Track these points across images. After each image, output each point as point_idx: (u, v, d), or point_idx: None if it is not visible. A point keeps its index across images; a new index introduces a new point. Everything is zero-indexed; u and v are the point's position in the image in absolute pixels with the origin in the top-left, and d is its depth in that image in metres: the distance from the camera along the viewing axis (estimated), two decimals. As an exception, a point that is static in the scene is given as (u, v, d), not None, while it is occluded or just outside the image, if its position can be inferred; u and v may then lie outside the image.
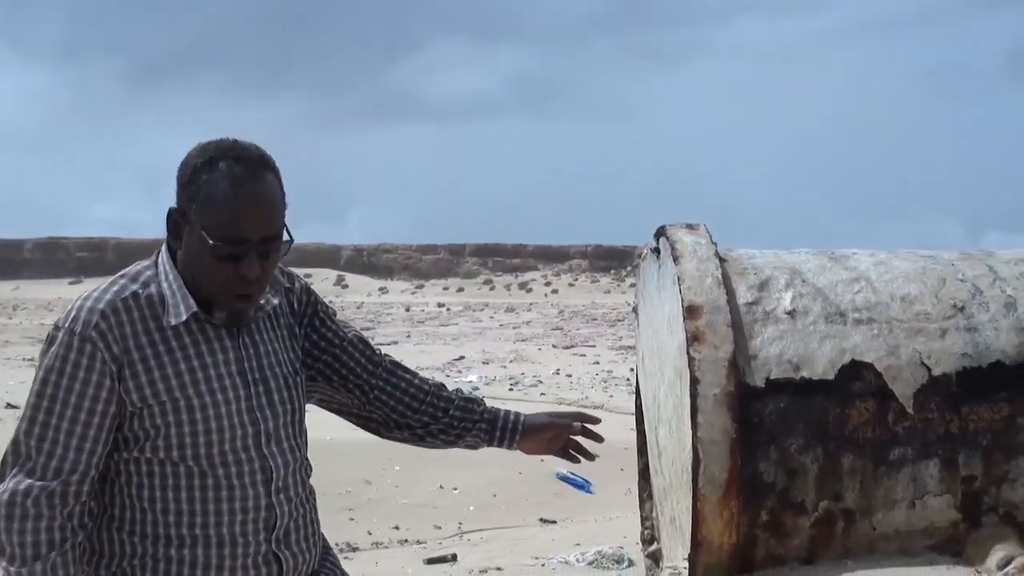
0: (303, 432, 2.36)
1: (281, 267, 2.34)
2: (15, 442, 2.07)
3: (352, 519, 8.91)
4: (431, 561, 7.73)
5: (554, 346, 31.79)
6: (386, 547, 8.48)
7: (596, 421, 2.83)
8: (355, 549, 8.33)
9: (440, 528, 9.02)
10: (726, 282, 5.02)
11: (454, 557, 7.76)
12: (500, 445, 2.62)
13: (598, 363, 24.65)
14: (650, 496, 6.29)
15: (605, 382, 19.83)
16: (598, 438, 2.70)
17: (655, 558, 6.11)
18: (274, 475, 2.20)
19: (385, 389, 2.52)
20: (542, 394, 17.63)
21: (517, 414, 2.65)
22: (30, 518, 1.99)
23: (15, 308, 65.53)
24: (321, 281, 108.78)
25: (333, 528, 9.10)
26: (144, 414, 2.11)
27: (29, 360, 23.77)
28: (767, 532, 4.86)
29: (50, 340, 2.10)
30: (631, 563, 6.68)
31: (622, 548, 6.97)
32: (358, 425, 2.60)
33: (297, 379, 2.34)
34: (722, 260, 5.20)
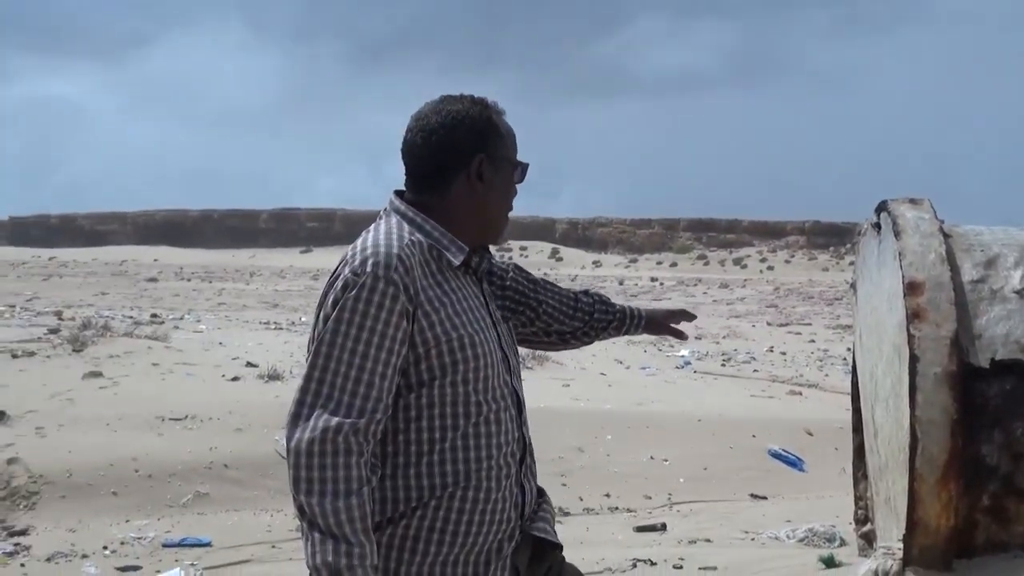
0: None
1: None
2: (316, 382, 2.10)
3: (564, 484, 9.07)
4: (641, 529, 7.75)
5: (768, 323, 31.06)
6: (597, 513, 8.55)
7: (692, 317, 3.18)
8: (567, 514, 8.46)
9: (650, 498, 9.00)
10: (950, 259, 4.85)
11: (664, 526, 7.77)
12: (628, 333, 2.91)
13: (813, 341, 23.97)
14: (864, 476, 6.15)
15: (820, 361, 19.24)
16: (686, 329, 3.14)
17: (868, 538, 5.98)
18: (522, 406, 2.35)
19: (548, 303, 2.72)
20: (755, 371, 17.27)
21: (639, 312, 2.94)
22: (341, 454, 2.03)
23: (251, 275, 69.50)
24: (536, 253, 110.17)
25: (547, 493, 9.32)
26: (433, 352, 2.17)
27: (265, 323, 25.27)
28: (989, 517, 4.70)
29: (347, 285, 2.14)
30: (843, 542, 6.53)
31: (834, 527, 6.82)
32: (528, 342, 2.80)
33: (509, 323, 2.54)
34: (946, 236, 5.02)
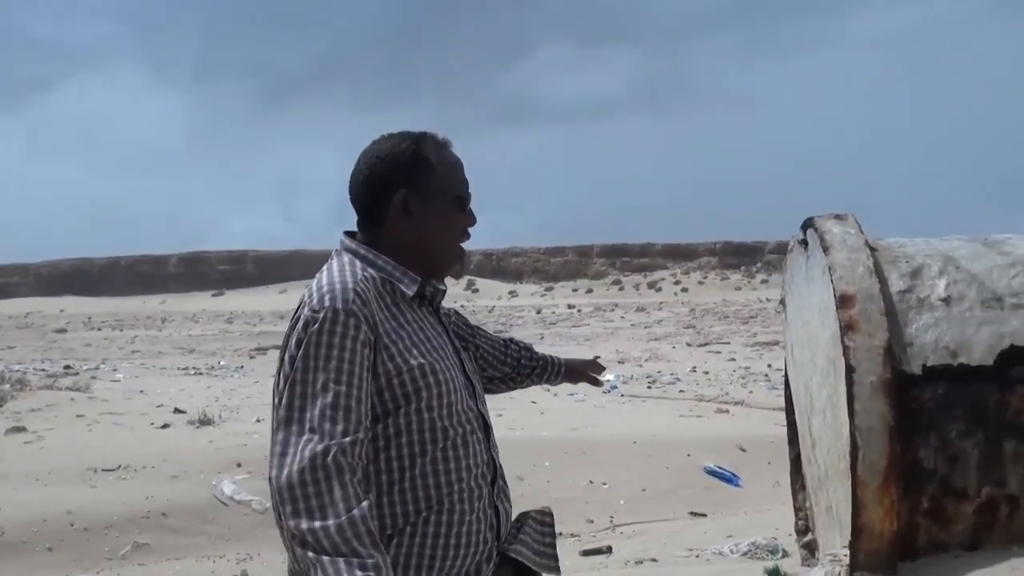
0: None
1: None
2: (296, 421, 2.12)
3: (508, 513, 9.15)
4: (587, 553, 7.85)
5: (688, 344, 31.57)
6: (541, 540, 8.60)
7: (602, 369, 3.31)
8: (511, 542, 8.51)
9: (592, 522, 9.14)
10: (878, 271, 5.02)
11: (609, 549, 7.87)
12: (547, 383, 3.04)
13: (734, 359, 24.42)
14: (803, 487, 6.29)
15: (743, 378, 19.61)
16: (598, 382, 3.27)
17: (810, 548, 6.11)
18: (489, 429, 2.39)
19: (484, 348, 2.82)
20: (680, 391, 17.54)
21: (559, 361, 3.05)
22: (334, 475, 2.04)
23: (163, 321, 68.26)
24: (452, 286, 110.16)
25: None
26: (396, 382, 2.22)
27: (183, 369, 24.86)
28: (929, 519, 4.85)
29: (308, 323, 2.19)
30: (786, 553, 6.67)
31: (775, 539, 6.96)
32: None
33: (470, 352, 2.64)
34: (872, 249, 5.20)
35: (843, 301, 4.91)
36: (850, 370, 4.79)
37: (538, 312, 63.61)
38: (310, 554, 2.01)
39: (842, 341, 4.85)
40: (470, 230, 2.44)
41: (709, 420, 13.50)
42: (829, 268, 5.05)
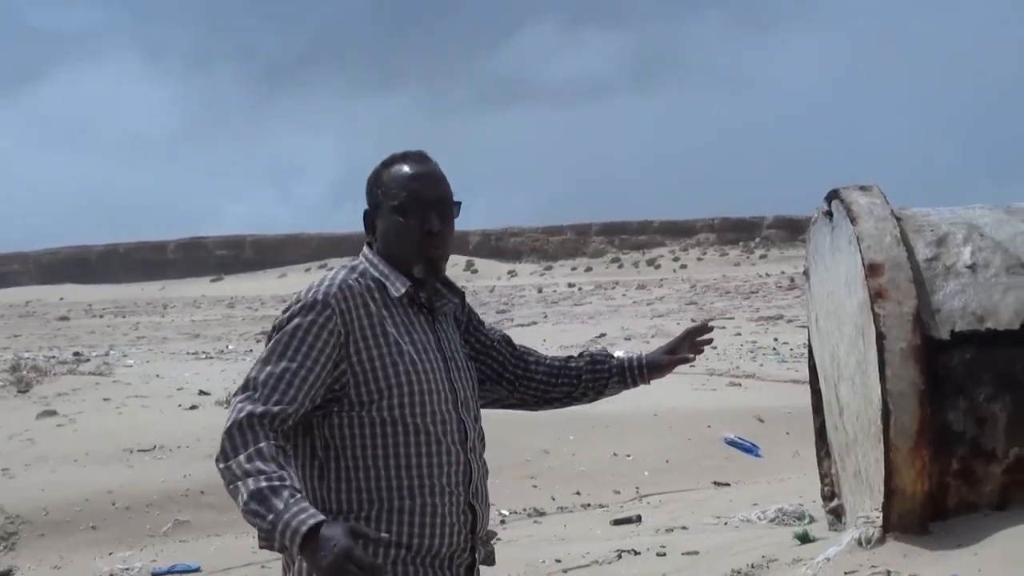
0: (479, 407, 2.72)
1: (454, 282, 2.80)
2: (252, 378, 2.45)
3: (535, 486, 9.31)
4: (617, 522, 8.04)
5: (692, 320, 31.67)
6: (571, 511, 8.88)
7: (706, 330, 3.09)
8: (542, 513, 8.80)
9: (619, 493, 9.35)
10: (904, 240, 5.16)
11: (639, 518, 8.07)
12: (634, 386, 2.96)
13: (740, 334, 24.52)
14: (828, 454, 6.43)
15: (752, 352, 19.72)
16: (706, 342, 3.06)
17: (837, 513, 6.27)
18: (468, 435, 2.56)
19: (531, 377, 2.89)
20: (691, 366, 17.65)
21: (640, 359, 2.96)
22: (250, 429, 2.36)
23: (165, 307, 68.25)
24: (451, 267, 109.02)
25: (520, 494, 9.47)
26: (369, 378, 2.47)
27: (193, 354, 24.98)
28: (959, 480, 5.00)
29: (288, 308, 2.53)
30: (812, 519, 6.82)
31: (801, 505, 7.13)
32: (514, 408, 3.01)
33: (471, 363, 2.75)
34: (898, 219, 5.34)
35: (872, 270, 5.05)
36: (880, 337, 4.93)
37: (539, 291, 63.59)
38: (230, 486, 2.33)
39: (872, 309, 4.99)
40: (433, 231, 2.59)
41: (724, 393, 13.64)
42: (857, 238, 5.18)
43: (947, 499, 5.16)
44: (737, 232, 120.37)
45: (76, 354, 25.43)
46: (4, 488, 8.46)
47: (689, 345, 3.01)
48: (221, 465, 2.34)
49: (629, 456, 9.94)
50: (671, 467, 9.70)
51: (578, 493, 9.22)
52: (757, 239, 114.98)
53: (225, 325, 40.58)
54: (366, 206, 2.69)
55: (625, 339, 24.48)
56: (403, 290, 2.54)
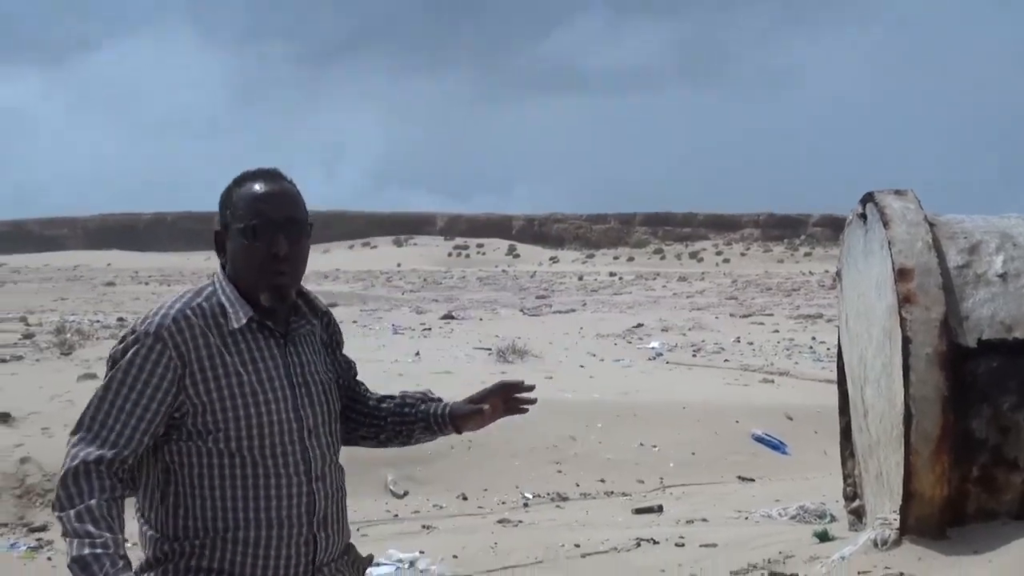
0: (338, 432, 2.63)
1: (318, 299, 2.72)
2: (89, 417, 2.39)
3: (560, 472, 9.39)
4: (639, 511, 8.05)
5: (731, 315, 31.48)
6: (594, 498, 8.91)
7: (522, 388, 2.79)
8: (565, 499, 8.83)
9: (643, 482, 9.37)
10: (936, 246, 5.17)
11: (660, 508, 8.09)
12: (443, 434, 2.75)
13: (777, 331, 24.37)
14: (852, 455, 6.46)
15: (788, 350, 19.58)
16: (525, 401, 2.77)
17: (858, 514, 6.30)
18: (313, 465, 2.48)
19: (350, 408, 2.75)
20: (725, 360, 17.61)
21: (444, 408, 2.73)
22: (84, 478, 2.32)
23: (209, 277, 68.70)
24: (493, 251, 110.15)
25: (544, 479, 9.56)
26: (207, 409, 2.40)
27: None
28: (979, 487, 5.02)
29: (123, 341, 2.44)
30: (833, 518, 6.84)
31: (823, 504, 7.13)
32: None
33: (333, 387, 2.62)
34: (931, 224, 5.34)
35: (901, 274, 5.07)
36: (906, 341, 4.95)
37: (580, 279, 63.59)
38: (63, 536, 2.33)
39: (899, 313, 5.01)
40: (280, 254, 2.47)
41: (755, 389, 13.59)
42: (888, 242, 5.19)
43: (966, 505, 5.17)
44: (782, 229, 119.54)
45: (120, 319, 25.83)
46: (42, 446, 8.62)
47: (505, 400, 2.74)
48: (56, 513, 2.34)
49: (655, 447, 9.99)
50: (696, 460, 9.73)
51: (602, 480, 9.29)
52: (802, 236, 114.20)
53: (266, 298, 40.99)
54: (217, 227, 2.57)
55: (662, 330, 24.42)
56: (244, 321, 2.46)
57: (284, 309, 2.54)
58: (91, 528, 2.28)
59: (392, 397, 2.78)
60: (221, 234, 2.55)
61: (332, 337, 2.71)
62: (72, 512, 2.29)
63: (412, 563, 6.27)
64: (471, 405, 2.69)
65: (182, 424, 2.41)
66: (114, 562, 2.25)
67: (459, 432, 2.76)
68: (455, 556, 6.43)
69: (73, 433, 2.40)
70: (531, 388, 2.79)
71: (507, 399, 2.73)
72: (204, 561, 2.41)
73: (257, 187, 2.51)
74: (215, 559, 2.41)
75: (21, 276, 67.11)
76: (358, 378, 2.80)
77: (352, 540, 2.67)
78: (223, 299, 2.48)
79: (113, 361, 2.43)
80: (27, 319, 24.63)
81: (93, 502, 2.29)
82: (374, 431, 2.75)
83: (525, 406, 2.77)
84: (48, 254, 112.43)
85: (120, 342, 2.45)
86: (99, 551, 2.26)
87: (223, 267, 2.55)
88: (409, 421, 2.74)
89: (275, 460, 2.44)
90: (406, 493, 8.96)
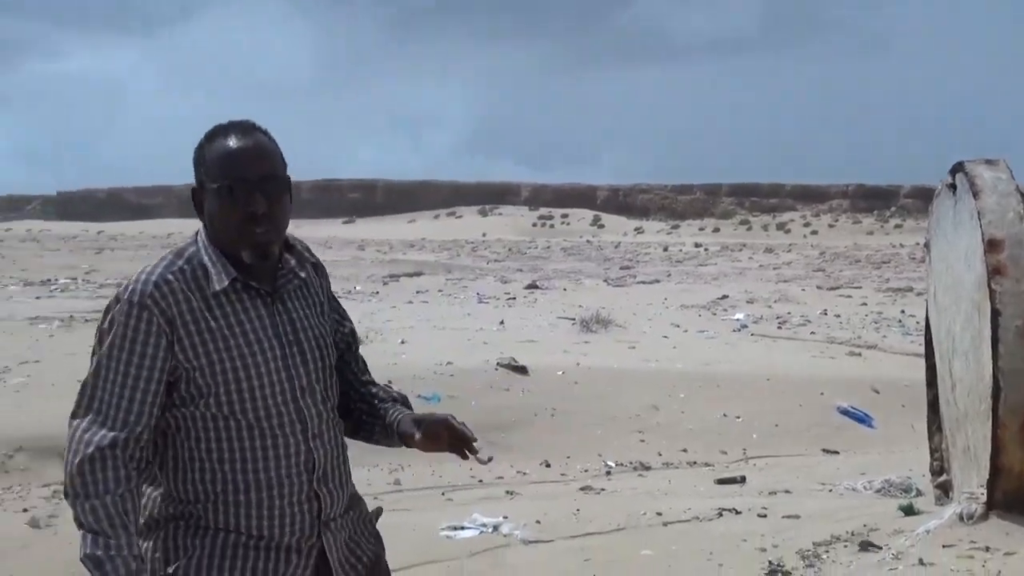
0: (335, 386, 2.58)
1: (307, 246, 2.65)
2: (88, 396, 2.36)
3: (643, 440, 9.44)
4: (722, 481, 8.04)
5: (818, 287, 30.97)
6: (676, 467, 8.95)
7: (468, 440, 2.69)
8: (648, 468, 8.88)
9: (726, 453, 9.41)
10: (1028, 217, 5.09)
11: (743, 479, 8.08)
12: (397, 445, 2.68)
13: (865, 304, 23.92)
14: (939, 428, 6.39)
15: (876, 323, 19.19)
16: (469, 451, 2.70)
17: (944, 488, 6.23)
18: (309, 424, 2.45)
19: (349, 382, 2.68)
20: (812, 333, 17.38)
21: (397, 422, 2.64)
22: (99, 466, 2.30)
23: (297, 246, 69.73)
24: (578, 221, 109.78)
25: (626, 447, 9.59)
26: (196, 374, 2.37)
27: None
28: (1068, 461, 4.96)
29: (108, 311, 2.39)
30: (919, 492, 6.78)
31: (909, 478, 7.07)
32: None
33: (327, 340, 2.55)
34: (1023, 195, 5.26)
35: (991, 246, 5.00)
36: (996, 314, 4.89)
37: (664, 249, 63.09)
38: (76, 524, 2.34)
39: (988, 285, 4.95)
40: (258, 213, 2.39)
41: (841, 362, 13.42)
42: (978, 213, 5.12)
43: (1055, 480, 5.11)
44: (872, 200, 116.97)
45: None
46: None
47: (449, 438, 2.64)
48: (68, 501, 2.33)
49: (739, 418, 9.97)
50: (780, 431, 9.69)
51: (684, 450, 9.32)
52: (893, 208, 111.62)
53: (353, 267, 41.44)
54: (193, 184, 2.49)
55: (747, 302, 24.19)
56: (226, 282, 2.40)
57: (269, 266, 2.48)
58: (106, 527, 2.28)
59: (375, 384, 2.75)
60: (198, 192, 2.47)
61: (327, 293, 2.66)
62: (87, 505, 2.28)
63: (496, 527, 6.39)
64: (413, 430, 2.59)
65: (175, 390, 2.39)
66: (127, 564, 2.27)
67: (408, 447, 2.67)
68: (538, 521, 6.53)
69: (75, 416, 2.36)
70: (475, 440, 2.70)
71: (452, 440, 2.64)
72: (211, 521, 2.42)
73: (230, 143, 2.43)
74: (219, 520, 2.42)
75: (118, 243, 68.86)
76: (358, 352, 2.73)
77: (376, 499, 2.56)
78: (205, 260, 2.42)
79: (101, 335, 2.40)
80: (124, 285, 25.28)
81: (108, 498, 2.29)
82: (344, 410, 2.65)
83: (467, 453, 2.69)
84: (143, 222, 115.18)
85: (105, 313, 2.41)
86: (112, 552, 2.27)
87: (205, 227, 2.48)
88: (371, 422, 2.68)
89: (270, 421, 2.42)
90: (491, 459, 9.10)
